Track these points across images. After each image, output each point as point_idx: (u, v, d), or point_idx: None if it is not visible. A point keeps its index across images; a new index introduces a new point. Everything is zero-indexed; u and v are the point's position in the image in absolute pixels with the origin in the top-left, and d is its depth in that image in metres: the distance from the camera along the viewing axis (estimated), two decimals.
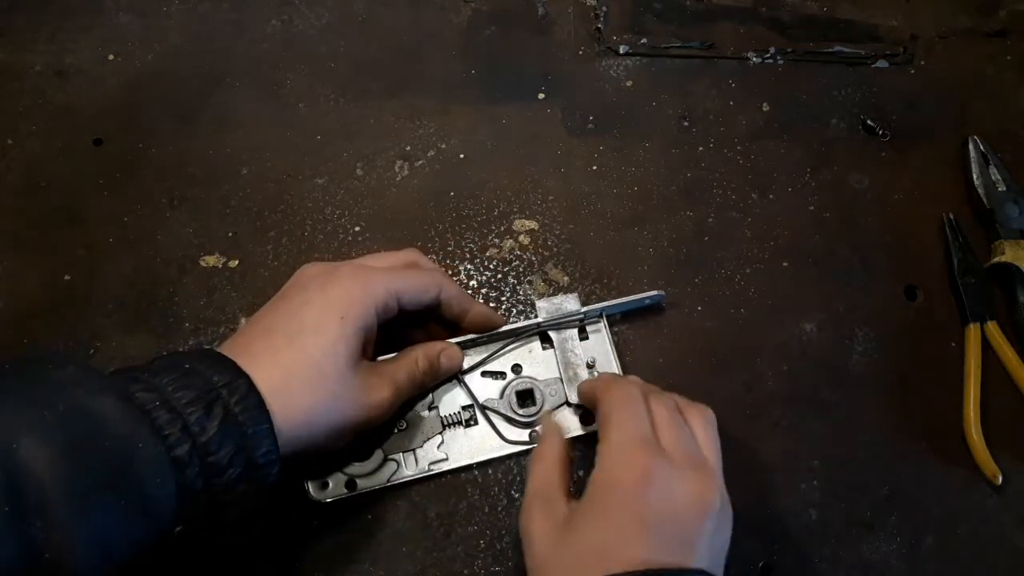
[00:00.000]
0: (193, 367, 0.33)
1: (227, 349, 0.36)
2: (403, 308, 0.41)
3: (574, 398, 0.45)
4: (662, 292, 0.48)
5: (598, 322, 0.47)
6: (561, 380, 0.46)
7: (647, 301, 0.48)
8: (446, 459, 0.44)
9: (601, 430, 0.38)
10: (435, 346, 0.44)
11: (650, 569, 0.32)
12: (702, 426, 0.39)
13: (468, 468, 0.44)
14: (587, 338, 0.47)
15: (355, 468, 0.42)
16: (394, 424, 0.44)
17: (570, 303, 0.47)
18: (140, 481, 0.29)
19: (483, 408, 0.45)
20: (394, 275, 0.40)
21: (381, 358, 0.44)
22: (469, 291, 0.49)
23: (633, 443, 0.36)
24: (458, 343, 0.45)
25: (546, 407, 0.45)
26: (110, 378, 0.32)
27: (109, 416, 0.29)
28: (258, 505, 0.34)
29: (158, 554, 0.31)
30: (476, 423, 0.45)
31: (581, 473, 0.45)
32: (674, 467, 0.36)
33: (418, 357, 0.43)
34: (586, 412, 0.45)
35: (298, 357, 0.36)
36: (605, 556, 0.33)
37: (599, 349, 0.47)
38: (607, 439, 0.37)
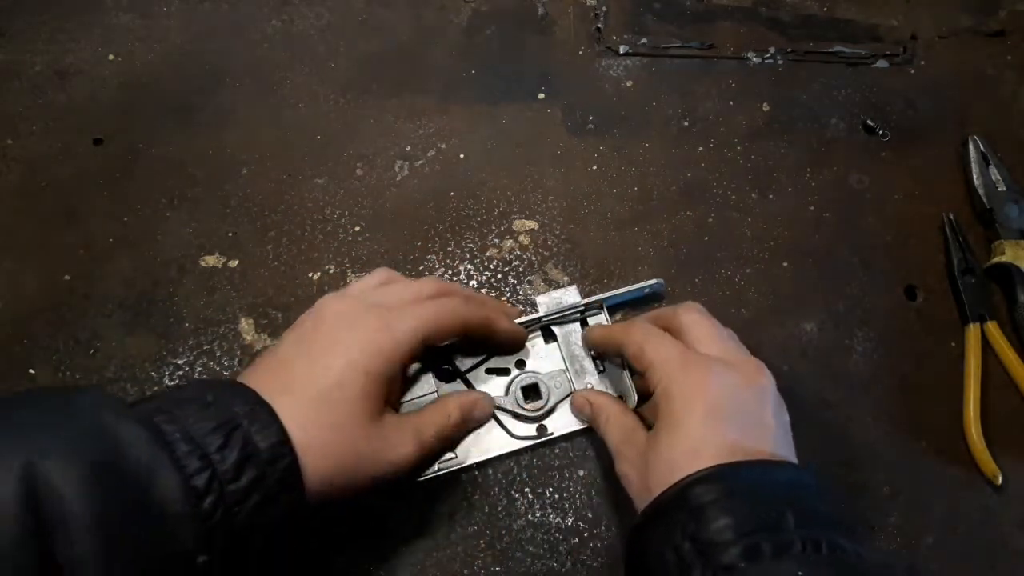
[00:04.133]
0: (216, 397, 0.33)
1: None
2: (428, 346, 0.40)
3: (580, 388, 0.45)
4: (661, 280, 0.49)
5: (599, 313, 0.48)
6: (566, 372, 0.46)
7: (647, 290, 0.49)
8: (455, 457, 0.43)
9: (639, 361, 0.40)
10: (469, 397, 0.43)
11: (765, 460, 0.35)
12: (733, 334, 0.42)
13: (470, 468, 0.44)
14: None
15: None
16: None
17: (570, 296, 0.47)
18: (160, 507, 0.29)
19: None
20: (418, 320, 0.39)
21: (408, 405, 0.44)
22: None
23: (678, 353, 0.39)
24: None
25: (552, 400, 0.45)
26: (135, 406, 0.32)
27: (131, 441, 0.30)
28: (281, 532, 0.34)
29: None
30: None
31: (582, 473, 0.45)
32: (723, 362, 0.38)
33: (450, 411, 0.42)
34: None
35: (321, 416, 0.35)
36: (695, 454, 0.35)
37: None
38: (652, 363, 0.39)
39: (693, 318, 0.41)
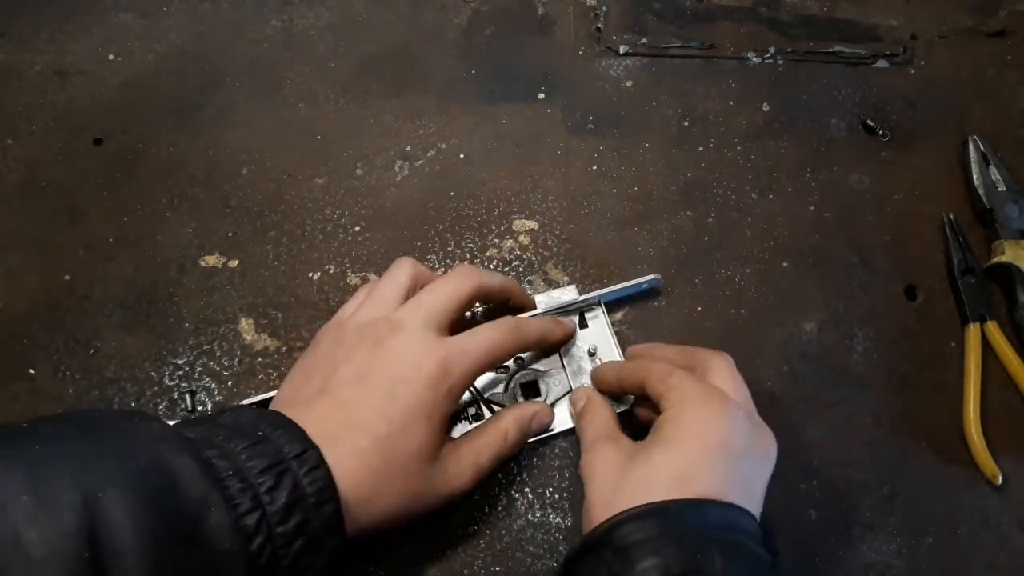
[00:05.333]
0: (266, 435, 0.33)
1: (310, 431, 0.34)
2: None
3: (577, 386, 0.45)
4: (658, 276, 0.49)
5: (596, 310, 0.48)
6: (564, 370, 0.46)
7: (644, 286, 0.49)
8: None
9: (661, 386, 0.39)
10: (526, 411, 0.43)
11: (729, 503, 0.34)
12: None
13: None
14: (587, 326, 0.47)
15: None
16: None
17: (568, 294, 0.47)
18: (210, 544, 0.30)
19: (488, 402, 0.45)
20: (476, 360, 0.39)
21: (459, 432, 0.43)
22: None
23: (704, 386, 0.38)
24: None
25: (551, 398, 0.45)
26: (189, 438, 0.32)
27: (186, 476, 0.30)
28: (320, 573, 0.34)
29: None
30: (482, 418, 0.45)
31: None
32: (745, 414, 0.38)
33: (508, 429, 0.41)
34: None
35: (388, 463, 0.35)
36: (685, 481, 0.35)
37: (599, 336, 0.47)
38: (672, 387, 0.38)
39: (725, 364, 0.40)
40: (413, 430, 0.36)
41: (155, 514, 0.28)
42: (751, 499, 0.36)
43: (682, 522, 0.33)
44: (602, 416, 0.42)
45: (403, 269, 0.42)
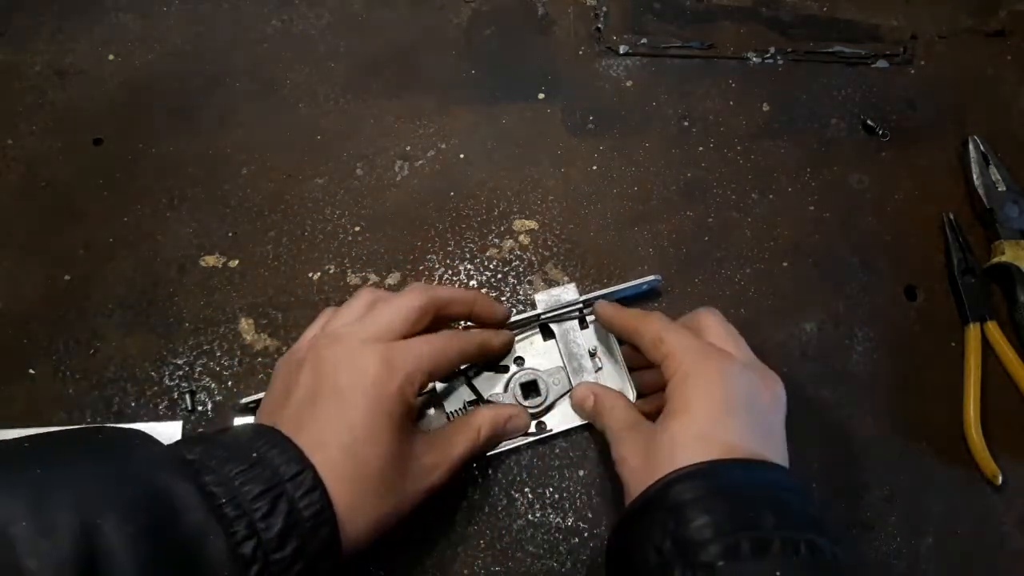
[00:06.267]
0: (261, 456, 0.33)
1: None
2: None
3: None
4: (659, 276, 0.49)
5: None
6: (565, 370, 0.46)
7: (644, 286, 0.49)
8: None
9: (656, 350, 0.40)
10: (502, 412, 0.43)
11: (749, 460, 0.35)
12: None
13: (469, 466, 0.44)
14: (587, 327, 0.47)
15: None
16: None
17: (569, 294, 0.47)
18: (208, 571, 0.30)
19: (488, 402, 0.45)
20: (418, 355, 0.38)
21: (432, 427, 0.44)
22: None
23: (699, 344, 0.39)
24: None
25: (551, 397, 0.45)
26: (188, 461, 0.32)
27: (185, 503, 0.30)
28: None
29: None
30: None
31: (582, 473, 0.45)
32: (741, 365, 0.38)
33: (481, 427, 0.41)
34: None
35: (362, 468, 0.35)
36: (704, 441, 0.35)
37: (600, 337, 0.47)
38: (670, 353, 0.39)
39: (714, 320, 0.41)
40: (377, 431, 0.36)
41: (153, 542, 0.28)
42: (774, 445, 0.37)
43: (726, 480, 0.34)
44: (618, 405, 0.42)
45: (360, 296, 0.41)
